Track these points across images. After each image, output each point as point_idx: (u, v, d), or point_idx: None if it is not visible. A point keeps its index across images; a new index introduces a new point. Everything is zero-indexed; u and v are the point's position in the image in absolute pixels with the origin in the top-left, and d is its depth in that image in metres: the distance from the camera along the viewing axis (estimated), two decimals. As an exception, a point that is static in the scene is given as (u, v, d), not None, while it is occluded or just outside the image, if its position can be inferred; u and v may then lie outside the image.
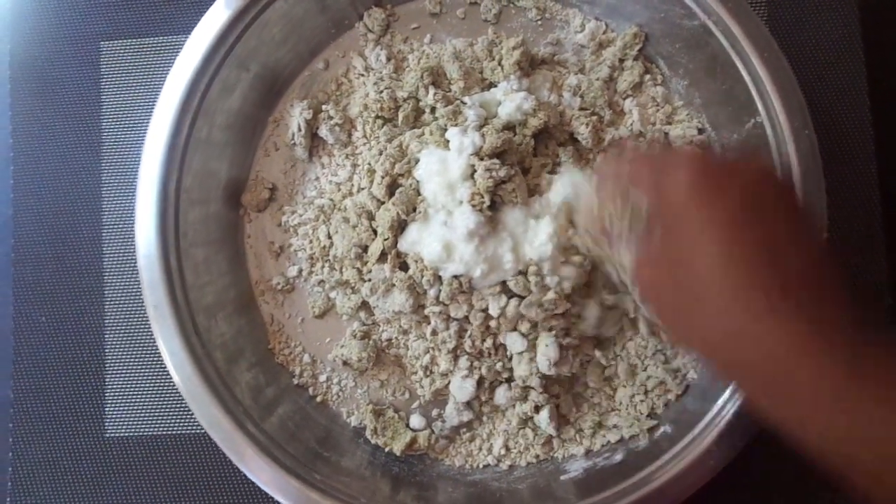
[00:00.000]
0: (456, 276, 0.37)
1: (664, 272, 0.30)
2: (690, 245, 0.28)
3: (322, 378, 0.41)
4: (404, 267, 0.38)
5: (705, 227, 0.28)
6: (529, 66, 0.41)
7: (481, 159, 0.37)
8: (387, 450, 0.40)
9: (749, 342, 0.27)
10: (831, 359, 0.26)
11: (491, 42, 0.41)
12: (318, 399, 0.41)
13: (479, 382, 0.39)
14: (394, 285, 0.38)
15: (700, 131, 0.41)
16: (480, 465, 0.40)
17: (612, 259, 0.34)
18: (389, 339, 0.40)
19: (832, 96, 0.42)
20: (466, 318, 0.38)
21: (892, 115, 0.42)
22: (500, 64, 0.40)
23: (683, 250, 0.29)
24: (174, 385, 0.37)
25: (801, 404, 0.27)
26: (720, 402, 0.35)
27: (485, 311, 0.38)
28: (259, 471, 0.36)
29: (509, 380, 0.39)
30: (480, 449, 0.40)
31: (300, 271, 0.42)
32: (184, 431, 0.42)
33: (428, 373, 0.40)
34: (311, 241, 0.41)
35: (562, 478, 0.39)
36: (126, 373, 0.43)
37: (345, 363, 0.40)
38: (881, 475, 0.26)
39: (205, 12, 0.38)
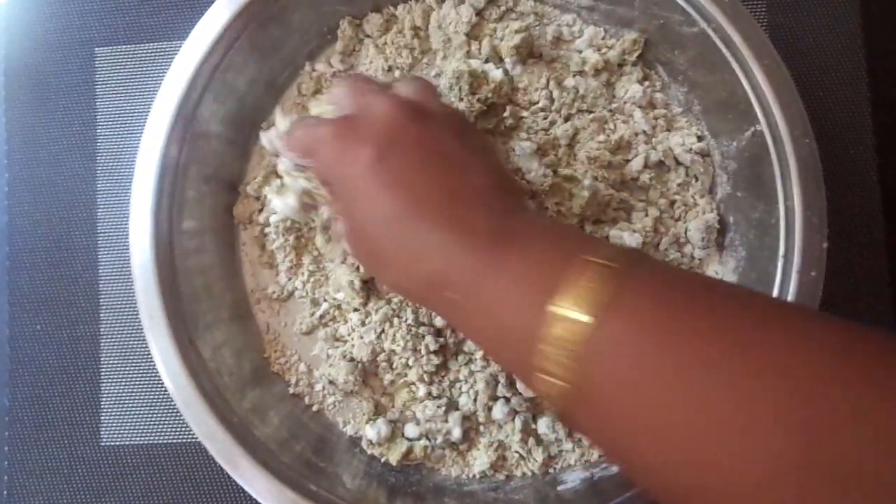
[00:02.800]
0: None
1: (359, 240, 0.31)
2: (361, 201, 0.30)
3: (318, 387, 0.41)
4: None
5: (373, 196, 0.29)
6: (527, 56, 0.40)
7: None
8: (383, 460, 0.40)
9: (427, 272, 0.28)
10: (470, 245, 0.27)
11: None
12: (314, 408, 0.41)
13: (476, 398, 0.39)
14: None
15: (699, 138, 0.40)
16: (477, 476, 0.40)
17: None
18: (377, 363, 0.40)
19: (833, 104, 0.42)
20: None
21: (893, 123, 0.42)
22: (498, 42, 0.40)
23: (362, 220, 0.30)
24: (170, 394, 0.36)
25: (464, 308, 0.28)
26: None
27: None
28: (254, 480, 0.36)
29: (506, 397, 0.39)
30: (477, 459, 0.40)
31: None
32: (180, 440, 0.42)
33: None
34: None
35: (559, 489, 0.38)
36: (122, 381, 0.43)
37: (331, 382, 0.40)
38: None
39: (199, 18, 0.38)
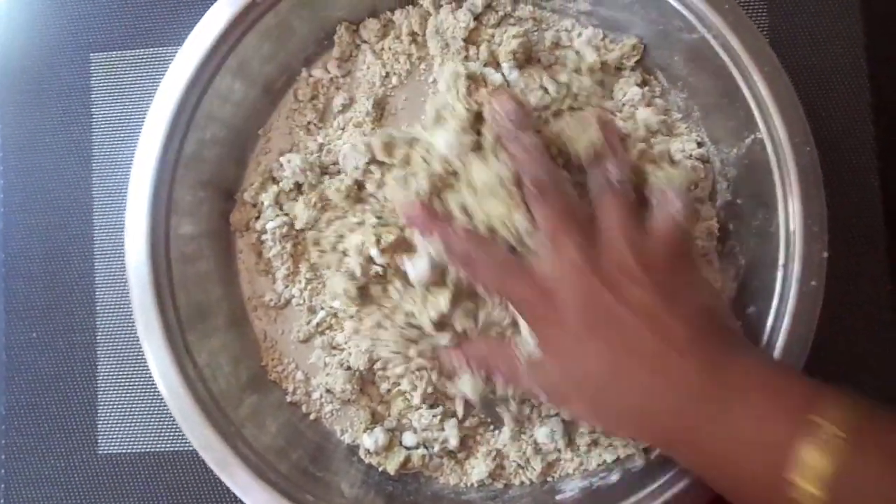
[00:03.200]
0: None
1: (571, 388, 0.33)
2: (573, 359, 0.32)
3: (315, 396, 0.41)
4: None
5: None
6: (525, 61, 0.40)
7: None
8: (381, 469, 0.39)
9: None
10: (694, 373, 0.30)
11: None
12: (312, 417, 0.41)
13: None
14: None
15: (699, 145, 0.40)
16: (475, 485, 0.39)
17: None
18: (374, 371, 0.40)
19: (834, 111, 0.41)
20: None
21: (895, 130, 0.41)
22: (496, 47, 0.40)
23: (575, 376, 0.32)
24: (166, 402, 0.36)
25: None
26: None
27: None
28: (250, 490, 0.36)
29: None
30: (475, 468, 0.39)
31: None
32: (177, 449, 0.42)
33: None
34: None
35: (557, 497, 0.38)
36: (119, 389, 0.43)
37: (328, 391, 0.39)
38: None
39: (196, 24, 0.38)
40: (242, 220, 0.41)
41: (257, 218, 0.41)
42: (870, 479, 0.26)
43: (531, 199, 0.33)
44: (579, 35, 0.41)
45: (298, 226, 0.40)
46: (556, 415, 0.39)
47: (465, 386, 0.37)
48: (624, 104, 0.40)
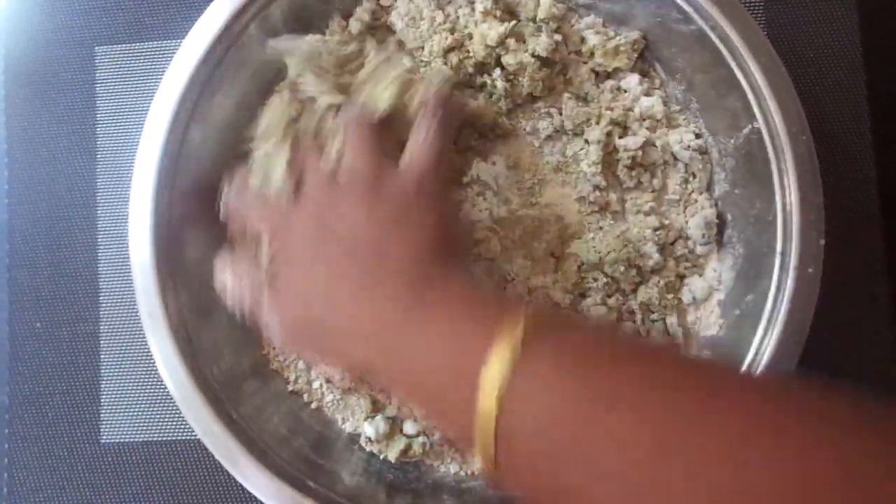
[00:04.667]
0: None
1: (292, 328, 0.33)
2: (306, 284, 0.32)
3: (316, 385, 0.41)
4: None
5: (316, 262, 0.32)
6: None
7: None
8: (382, 457, 0.40)
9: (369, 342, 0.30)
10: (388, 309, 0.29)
11: None
12: (313, 406, 0.41)
13: None
14: None
15: (697, 136, 0.40)
16: (476, 473, 0.40)
17: None
18: None
19: (830, 101, 0.42)
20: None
21: (891, 121, 0.42)
22: None
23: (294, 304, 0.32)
24: (169, 392, 0.37)
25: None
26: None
27: None
28: (253, 478, 0.36)
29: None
30: (476, 455, 0.40)
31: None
32: (180, 438, 0.42)
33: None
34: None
35: (557, 485, 0.39)
36: (122, 379, 0.43)
37: (328, 381, 0.40)
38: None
39: (199, 17, 0.38)
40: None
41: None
42: (538, 383, 0.25)
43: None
44: (579, 20, 0.41)
45: None
46: None
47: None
48: (626, 92, 0.41)
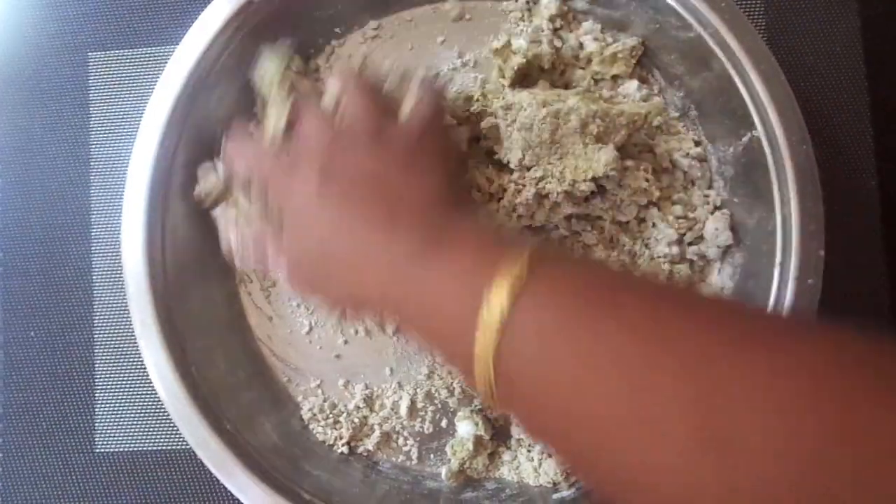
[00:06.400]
0: None
1: (300, 267, 0.33)
2: (306, 229, 0.32)
3: (314, 388, 0.41)
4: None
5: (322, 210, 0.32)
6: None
7: None
8: (377, 466, 0.39)
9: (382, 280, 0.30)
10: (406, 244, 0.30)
11: None
12: (307, 415, 0.40)
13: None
14: None
15: (696, 144, 0.40)
16: (472, 484, 0.39)
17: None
18: None
19: (832, 109, 0.41)
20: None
21: (893, 129, 0.41)
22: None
23: (303, 249, 0.33)
24: (162, 401, 0.36)
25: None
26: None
27: None
28: (247, 488, 0.36)
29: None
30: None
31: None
32: (174, 447, 0.42)
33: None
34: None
35: (554, 496, 0.38)
36: (116, 388, 0.43)
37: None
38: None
39: (193, 23, 0.38)
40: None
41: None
42: (535, 315, 0.25)
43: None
44: (578, 26, 0.41)
45: None
46: None
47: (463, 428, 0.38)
48: (625, 98, 0.40)
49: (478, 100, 0.38)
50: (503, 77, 0.39)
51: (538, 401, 0.26)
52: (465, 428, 0.39)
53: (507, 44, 0.39)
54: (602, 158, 0.35)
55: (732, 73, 0.36)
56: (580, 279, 0.27)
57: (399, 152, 0.32)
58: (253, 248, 0.35)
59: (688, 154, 0.40)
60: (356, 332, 0.41)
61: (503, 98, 0.37)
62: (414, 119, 0.34)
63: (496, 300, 0.26)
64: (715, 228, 0.38)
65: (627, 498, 0.24)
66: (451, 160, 0.37)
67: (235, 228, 0.36)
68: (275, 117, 0.36)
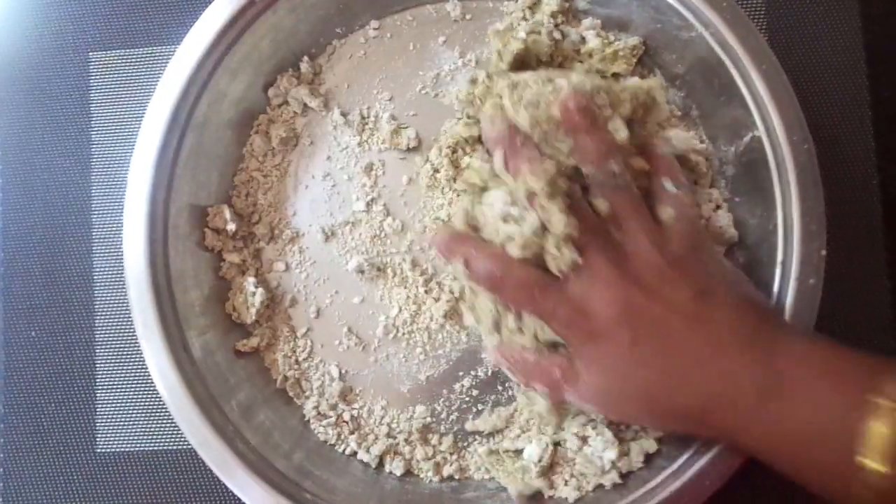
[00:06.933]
0: None
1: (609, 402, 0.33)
2: (623, 381, 0.32)
3: (316, 390, 0.41)
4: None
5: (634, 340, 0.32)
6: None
7: None
8: (378, 466, 0.39)
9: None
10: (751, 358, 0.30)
11: None
12: (310, 415, 0.40)
13: None
14: None
15: (699, 142, 0.40)
16: (473, 484, 0.39)
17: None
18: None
19: (833, 108, 0.41)
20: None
21: (894, 128, 0.41)
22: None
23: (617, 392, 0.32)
24: (164, 401, 0.36)
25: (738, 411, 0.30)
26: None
27: None
28: (248, 488, 0.36)
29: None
30: (474, 467, 0.39)
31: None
32: (176, 447, 0.42)
33: None
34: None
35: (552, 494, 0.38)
36: (117, 388, 0.43)
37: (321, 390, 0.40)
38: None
39: (195, 23, 0.38)
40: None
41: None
42: None
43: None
44: (577, 25, 0.41)
45: None
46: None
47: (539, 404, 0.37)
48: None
49: (483, 81, 0.37)
50: (501, 61, 0.38)
51: None
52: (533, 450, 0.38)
53: (510, 26, 0.39)
54: (615, 127, 0.34)
55: (734, 72, 0.36)
56: None
57: (691, 272, 0.32)
58: (544, 378, 0.34)
59: (693, 150, 0.39)
60: (354, 344, 0.41)
61: (508, 77, 0.35)
62: (684, 221, 0.33)
63: (876, 435, 0.26)
64: (720, 226, 0.38)
65: None
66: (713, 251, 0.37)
67: (511, 360, 0.35)
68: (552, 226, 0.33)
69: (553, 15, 0.39)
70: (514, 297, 0.33)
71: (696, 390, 0.31)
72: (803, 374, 0.30)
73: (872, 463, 0.26)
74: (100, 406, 0.43)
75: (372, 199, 0.41)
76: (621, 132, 0.33)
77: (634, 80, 0.37)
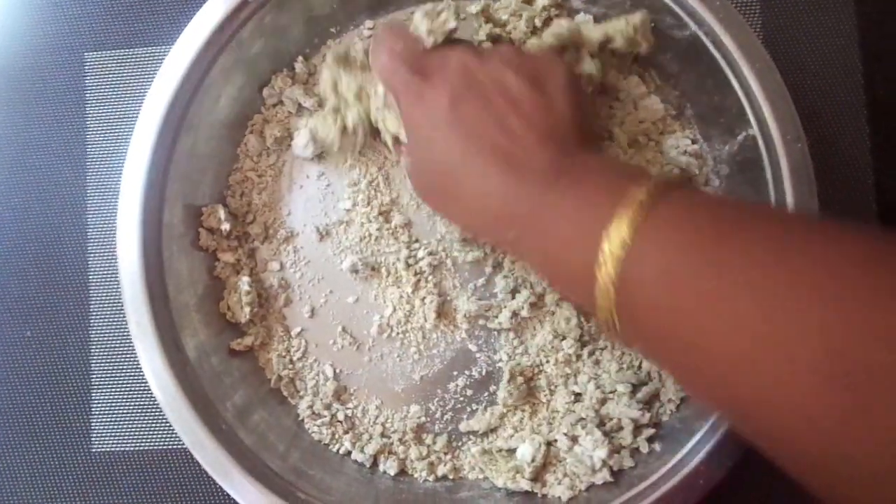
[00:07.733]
0: None
1: (424, 179, 0.35)
2: (433, 144, 0.33)
3: (310, 391, 0.41)
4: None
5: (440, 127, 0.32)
6: None
7: None
8: (372, 466, 0.39)
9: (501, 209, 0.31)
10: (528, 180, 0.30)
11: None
12: (304, 415, 0.40)
13: None
14: None
15: (692, 142, 0.40)
16: (468, 483, 0.39)
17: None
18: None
19: (828, 107, 0.41)
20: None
21: (889, 127, 0.41)
22: None
23: (430, 161, 0.33)
24: (158, 401, 0.36)
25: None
26: (708, 420, 0.35)
27: None
28: (243, 489, 0.36)
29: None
30: (469, 467, 0.39)
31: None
32: (171, 447, 0.42)
33: None
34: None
35: (549, 495, 0.38)
36: (112, 387, 0.43)
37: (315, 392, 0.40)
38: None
39: (189, 23, 0.38)
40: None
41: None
42: (657, 245, 0.25)
43: None
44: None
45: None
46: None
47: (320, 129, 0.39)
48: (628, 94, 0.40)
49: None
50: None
51: (662, 331, 0.26)
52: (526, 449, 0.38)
53: (487, 6, 0.40)
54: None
55: (728, 71, 0.36)
56: (703, 210, 0.27)
57: (537, 76, 0.32)
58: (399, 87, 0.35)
59: (685, 151, 0.40)
60: (349, 344, 0.41)
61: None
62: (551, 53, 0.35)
63: (618, 229, 0.26)
64: None
65: (751, 426, 0.25)
66: (583, 95, 0.37)
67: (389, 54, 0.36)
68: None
69: (546, 8, 0.39)
70: (383, 60, 0.35)
71: (488, 172, 0.31)
72: (582, 175, 0.30)
73: (605, 256, 0.26)
74: (94, 406, 0.43)
75: (366, 199, 0.41)
76: (587, 66, 0.37)
77: (621, 21, 0.38)
